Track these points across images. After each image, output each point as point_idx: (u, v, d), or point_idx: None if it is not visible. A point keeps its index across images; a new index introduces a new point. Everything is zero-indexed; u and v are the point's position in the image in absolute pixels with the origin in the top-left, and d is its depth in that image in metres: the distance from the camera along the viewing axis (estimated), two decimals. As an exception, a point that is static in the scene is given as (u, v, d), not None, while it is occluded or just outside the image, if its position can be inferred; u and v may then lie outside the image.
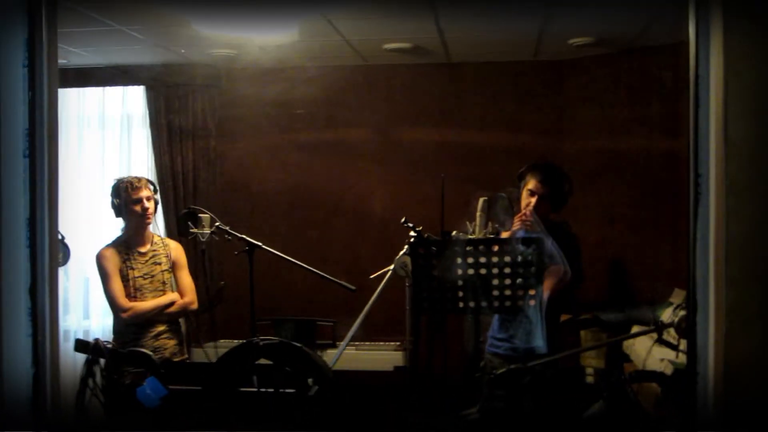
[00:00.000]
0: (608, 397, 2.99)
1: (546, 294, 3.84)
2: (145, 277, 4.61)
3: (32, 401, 2.36)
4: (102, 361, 3.39)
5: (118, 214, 4.66)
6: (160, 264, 4.68)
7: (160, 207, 6.04)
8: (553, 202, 4.12)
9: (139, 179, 4.64)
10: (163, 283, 4.68)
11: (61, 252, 4.43)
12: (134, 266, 4.61)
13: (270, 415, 3.31)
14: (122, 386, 3.44)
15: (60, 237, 4.42)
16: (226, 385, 3.37)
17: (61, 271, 4.13)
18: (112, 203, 4.63)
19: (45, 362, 2.39)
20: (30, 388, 2.36)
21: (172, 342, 4.68)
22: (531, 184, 4.11)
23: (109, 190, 4.68)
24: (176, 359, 4.69)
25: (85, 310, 6.22)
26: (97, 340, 3.34)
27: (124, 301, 4.52)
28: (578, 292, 4.41)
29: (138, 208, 4.57)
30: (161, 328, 4.64)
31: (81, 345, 3.36)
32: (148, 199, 4.61)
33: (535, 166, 4.17)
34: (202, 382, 3.43)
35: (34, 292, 2.38)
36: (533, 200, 4.07)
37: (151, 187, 4.66)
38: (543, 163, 4.24)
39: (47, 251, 2.43)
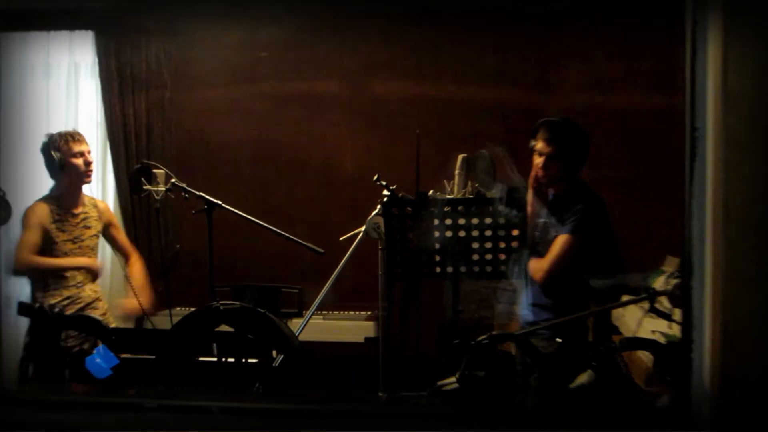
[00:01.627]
0: (597, 367, 3.01)
1: (549, 267, 3.81)
2: (75, 241, 4.58)
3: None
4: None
5: (53, 172, 4.59)
6: (90, 228, 4.65)
7: (109, 164, 6.01)
8: (564, 163, 3.95)
9: (77, 131, 4.59)
10: (92, 249, 4.65)
11: (2, 209, 4.40)
12: (64, 228, 4.57)
13: (230, 386, 3.31)
14: (69, 354, 3.42)
15: (0, 193, 4.40)
16: (183, 353, 3.36)
17: (1, 231, 4.10)
18: (49, 158, 4.55)
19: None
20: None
21: (98, 312, 4.65)
22: (538, 143, 3.95)
23: (41, 146, 4.60)
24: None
25: (28, 276, 6.16)
26: (41, 304, 3.31)
27: (26, 255, 4.44)
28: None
29: (80, 161, 4.51)
30: (87, 299, 4.61)
31: (24, 308, 3.33)
32: (89, 152, 4.55)
33: (543, 123, 4.00)
34: (156, 351, 3.42)
35: (-26, 249, 2.34)
36: (541, 161, 3.94)
37: (87, 140, 4.62)
38: (554, 119, 4.07)
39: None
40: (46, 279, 4.54)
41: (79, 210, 4.64)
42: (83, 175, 4.55)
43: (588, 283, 3.94)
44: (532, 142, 4.00)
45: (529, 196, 3.97)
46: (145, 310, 4.64)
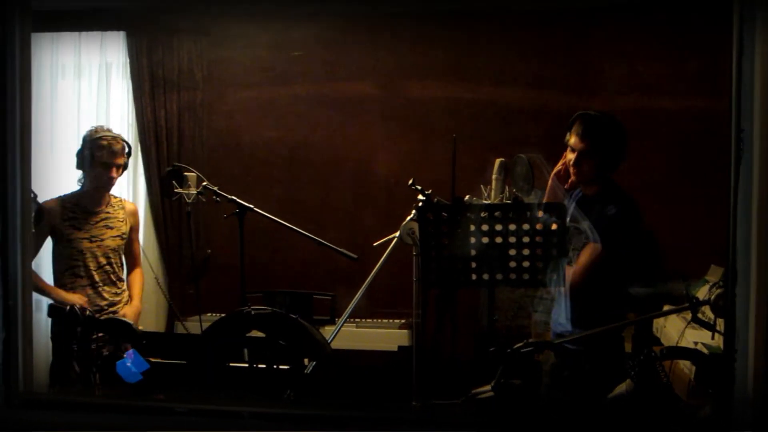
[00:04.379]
0: (637, 376, 2.99)
1: (579, 275, 3.79)
2: (92, 239, 4.61)
3: (2, 369, 2.37)
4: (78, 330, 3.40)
5: (80, 165, 4.63)
6: (112, 228, 4.68)
7: (140, 166, 6.06)
8: (598, 161, 3.85)
9: (118, 141, 4.61)
10: (113, 249, 4.67)
11: (33, 211, 4.46)
12: (80, 226, 4.59)
13: (261, 392, 3.33)
14: (100, 358, 3.46)
15: (33, 195, 4.46)
16: (214, 358, 3.39)
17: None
18: (80, 152, 4.60)
19: (17, 326, 2.40)
20: (-1, 354, 2.37)
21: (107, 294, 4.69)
22: (572, 138, 3.86)
23: (83, 138, 4.64)
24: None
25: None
26: (72, 306, 3.35)
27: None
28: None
29: (104, 170, 4.54)
30: (105, 302, 4.65)
31: (55, 311, 3.38)
32: (119, 167, 4.58)
33: (579, 116, 3.88)
34: (187, 356, 3.45)
35: (5, 250, 2.38)
36: (573, 157, 3.86)
37: (126, 151, 4.64)
38: (591, 112, 3.91)
39: (19, 206, 2.43)
40: (60, 279, 4.62)
41: (101, 209, 4.68)
42: (105, 182, 4.60)
43: (622, 294, 3.91)
44: (567, 136, 3.91)
45: (548, 191, 3.95)
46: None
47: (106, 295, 4.66)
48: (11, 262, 2.41)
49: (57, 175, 6.01)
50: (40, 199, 4.54)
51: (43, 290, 4.56)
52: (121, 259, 4.79)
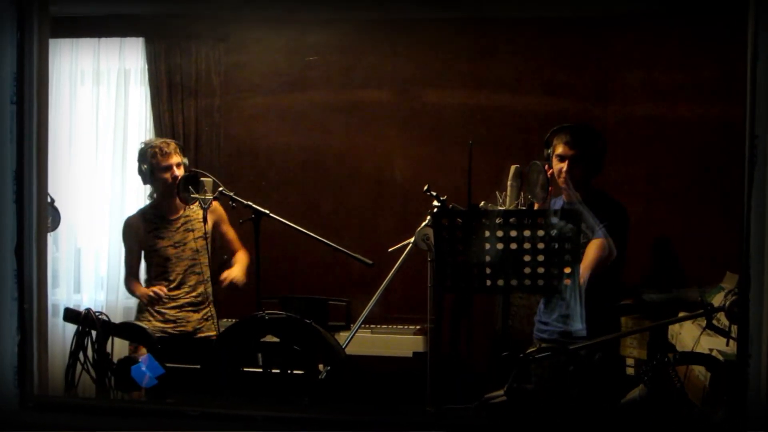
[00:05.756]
0: (650, 381, 2.98)
1: (586, 273, 3.83)
2: (176, 245, 4.78)
3: (18, 371, 2.39)
4: (94, 334, 3.42)
5: (145, 181, 4.82)
6: (192, 231, 4.79)
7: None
8: (587, 166, 4.09)
9: (168, 143, 4.80)
10: (197, 251, 4.80)
11: (50, 216, 4.49)
12: (163, 235, 4.77)
13: (276, 397, 3.34)
14: (115, 362, 3.47)
15: (49, 200, 4.49)
16: (229, 363, 3.40)
17: (49, 239, 4.18)
18: (140, 169, 4.78)
19: (32, 329, 2.41)
20: (15, 357, 2.38)
21: (196, 316, 4.76)
22: (559, 148, 4.09)
23: (137, 155, 4.83)
24: (200, 335, 4.82)
25: (75, 283, 6.27)
26: (88, 309, 3.37)
27: (128, 278, 4.85)
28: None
29: (167, 176, 4.68)
30: (188, 299, 4.73)
31: (71, 314, 3.40)
32: (178, 165, 4.72)
33: (559, 129, 4.14)
34: (201, 360, 3.46)
35: (20, 252, 2.39)
36: (564, 165, 4.05)
37: (180, 151, 4.78)
38: (568, 124, 4.19)
39: (35, 209, 2.44)
40: (151, 285, 4.79)
41: (179, 214, 4.84)
42: (170, 188, 4.72)
43: (615, 294, 3.98)
44: (550, 151, 4.14)
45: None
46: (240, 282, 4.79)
47: (193, 296, 4.82)
48: (26, 265, 2.42)
49: (75, 180, 6.08)
50: (58, 205, 4.58)
51: (135, 294, 4.84)
52: (207, 258, 4.89)
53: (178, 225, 4.81)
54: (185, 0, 5.71)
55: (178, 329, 4.72)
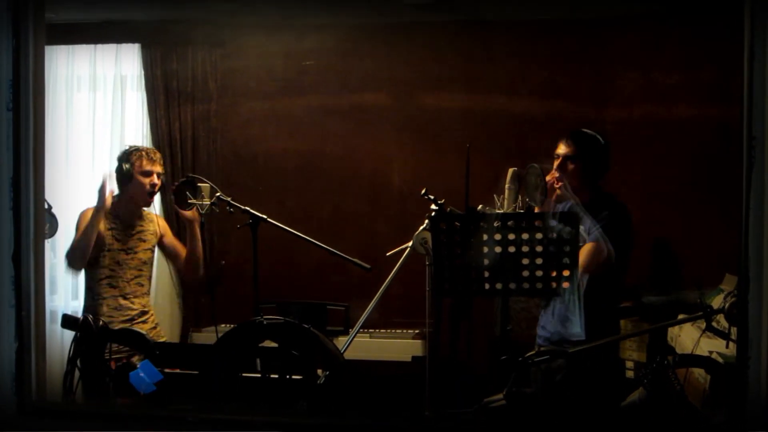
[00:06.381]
0: (650, 384, 2.98)
1: (583, 275, 3.83)
2: (128, 251, 4.69)
3: (15, 378, 2.38)
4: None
5: (119, 182, 4.69)
6: (145, 241, 4.76)
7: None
8: (586, 165, 4.10)
9: (155, 152, 4.75)
10: (144, 262, 4.75)
11: (47, 222, 4.49)
12: (119, 237, 4.68)
13: (274, 402, 3.33)
14: (113, 368, 3.47)
15: (47, 207, 4.48)
16: (227, 369, 3.40)
17: (47, 245, 4.17)
18: (119, 168, 4.67)
19: (29, 336, 2.41)
20: (12, 364, 2.38)
21: (146, 326, 4.72)
22: (558, 148, 4.15)
23: (118, 154, 4.75)
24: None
25: (73, 290, 6.25)
26: (86, 316, 3.37)
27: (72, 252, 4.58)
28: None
29: (147, 181, 4.62)
30: (135, 312, 4.69)
31: (68, 321, 3.40)
32: (158, 175, 4.68)
33: (566, 133, 4.19)
34: (200, 366, 3.46)
35: (18, 259, 2.39)
36: (556, 163, 4.12)
37: (162, 163, 4.74)
38: (574, 130, 4.23)
39: (33, 215, 2.44)
40: (95, 288, 4.64)
41: (136, 222, 4.77)
42: (145, 194, 4.66)
43: (616, 297, 3.97)
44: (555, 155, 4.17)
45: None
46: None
47: (137, 305, 4.73)
48: (24, 272, 2.42)
49: (72, 186, 6.07)
50: (55, 211, 4.57)
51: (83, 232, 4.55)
52: (150, 271, 4.86)
53: (134, 232, 4.74)
54: (181, 6, 5.72)
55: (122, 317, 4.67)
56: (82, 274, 4.73)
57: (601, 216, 3.95)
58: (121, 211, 4.70)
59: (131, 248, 4.70)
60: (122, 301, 4.66)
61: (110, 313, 4.61)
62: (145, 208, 4.81)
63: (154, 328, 4.82)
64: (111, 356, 3.76)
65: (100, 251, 4.61)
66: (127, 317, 4.66)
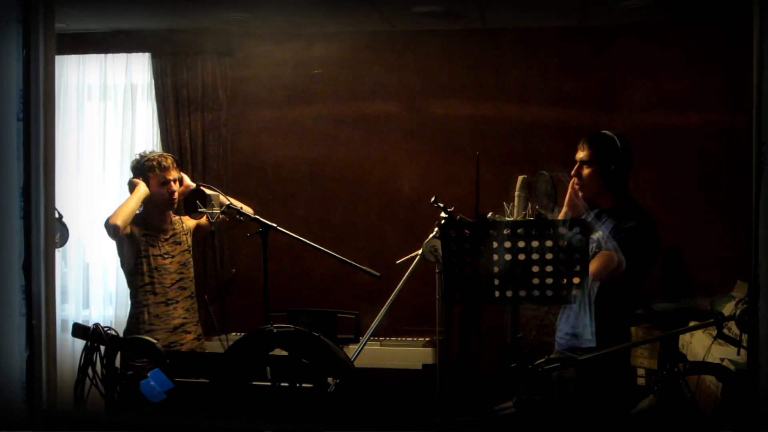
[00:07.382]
0: (660, 391, 2.96)
1: (593, 283, 3.81)
2: (165, 256, 4.72)
3: (26, 388, 2.39)
4: (103, 349, 3.42)
5: (131, 190, 4.71)
6: (180, 244, 4.80)
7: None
8: (605, 169, 4.02)
9: (166, 157, 4.76)
10: (184, 264, 4.76)
11: (58, 232, 4.50)
12: (154, 243, 4.71)
13: (285, 411, 3.33)
14: (124, 377, 3.47)
15: (57, 216, 4.50)
16: (237, 377, 3.40)
17: (58, 255, 4.19)
18: (131, 182, 4.71)
19: (40, 345, 2.42)
20: (23, 372, 2.39)
21: (190, 336, 4.74)
22: (577, 152, 4.10)
23: (131, 164, 4.77)
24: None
25: (84, 299, 6.28)
26: (96, 325, 3.36)
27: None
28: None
29: (164, 190, 4.64)
30: (178, 321, 4.70)
31: (79, 330, 3.39)
32: (175, 181, 4.69)
33: (586, 136, 4.11)
34: (210, 375, 3.45)
35: (28, 268, 2.40)
36: (575, 167, 4.07)
37: (176, 166, 4.78)
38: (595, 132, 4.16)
39: (43, 224, 2.46)
40: (137, 296, 4.69)
41: (168, 226, 4.80)
42: (167, 202, 4.71)
43: (633, 307, 3.94)
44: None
45: (567, 201, 4.05)
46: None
47: (179, 311, 4.77)
48: (35, 282, 2.43)
49: (82, 196, 6.09)
50: (66, 221, 4.58)
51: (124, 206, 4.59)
52: (191, 273, 4.90)
53: (168, 236, 4.77)
54: (191, 15, 5.74)
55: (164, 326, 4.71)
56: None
57: (625, 227, 3.91)
58: (149, 219, 4.75)
59: (168, 252, 4.74)
60: (164, 308, 4.70)
61: (151, 321, 4.66)
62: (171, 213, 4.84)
63: (198, 339, 4.84)
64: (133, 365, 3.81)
65: (138, 257, 4.64)
66: (168, 327, 4.71)
